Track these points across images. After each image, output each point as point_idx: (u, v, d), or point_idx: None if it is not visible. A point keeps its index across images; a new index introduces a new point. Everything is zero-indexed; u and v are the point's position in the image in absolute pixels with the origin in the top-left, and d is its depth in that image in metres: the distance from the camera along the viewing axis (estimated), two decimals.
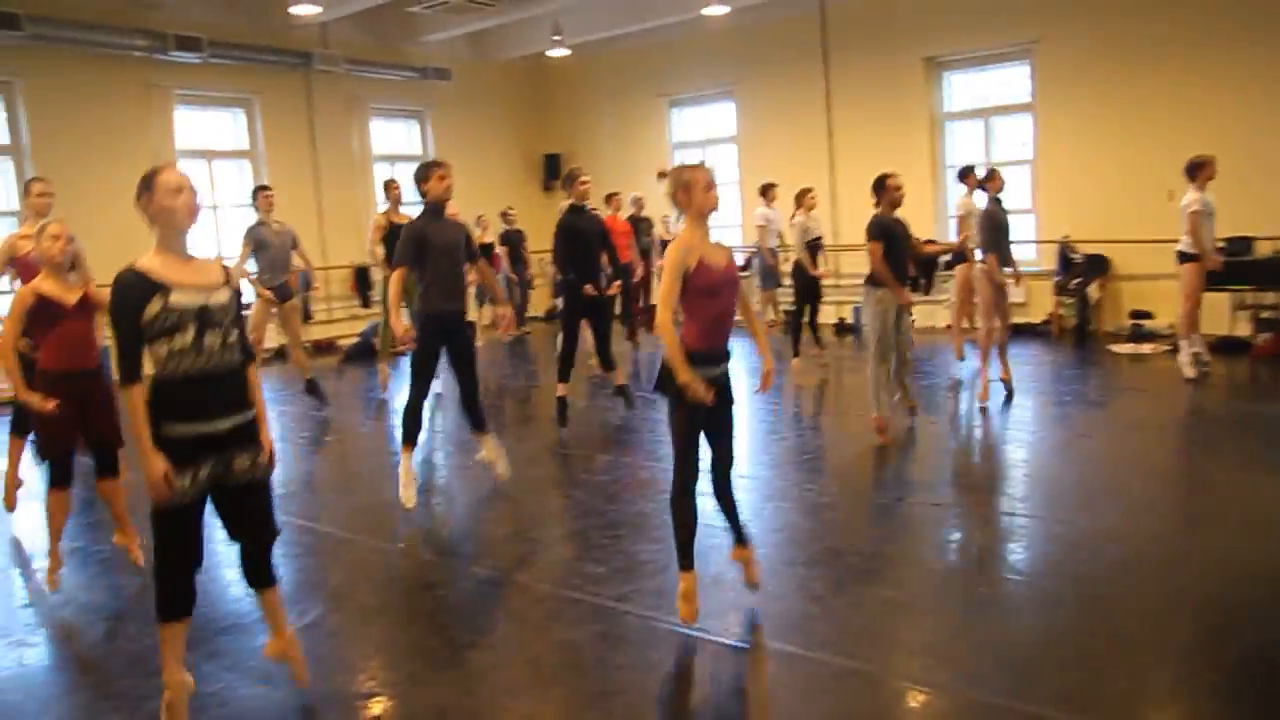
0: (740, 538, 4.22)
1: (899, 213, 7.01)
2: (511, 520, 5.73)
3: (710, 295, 3.86)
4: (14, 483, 6.16)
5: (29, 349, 5.22)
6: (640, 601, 4.33)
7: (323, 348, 12.95)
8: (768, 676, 3.69)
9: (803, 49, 13.60)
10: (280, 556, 3.59)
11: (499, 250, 13.64)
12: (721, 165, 15.25)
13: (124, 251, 5.09)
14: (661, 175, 3.86)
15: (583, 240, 7.75)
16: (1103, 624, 3.94)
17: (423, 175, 5.80)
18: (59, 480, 4.76)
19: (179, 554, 3.24)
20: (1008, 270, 7.89)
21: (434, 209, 5.80)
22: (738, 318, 4.13)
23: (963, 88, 12.94)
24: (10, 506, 6.12)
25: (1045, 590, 4.32)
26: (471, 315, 9.11)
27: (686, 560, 4.01)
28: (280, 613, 3.61)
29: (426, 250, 5.66)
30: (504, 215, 14.03)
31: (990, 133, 12.64)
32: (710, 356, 3.90)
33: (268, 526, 3.47)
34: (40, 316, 4.54)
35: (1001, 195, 7.95)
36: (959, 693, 3.44)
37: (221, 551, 5.17)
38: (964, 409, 8.35)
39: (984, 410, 7.81)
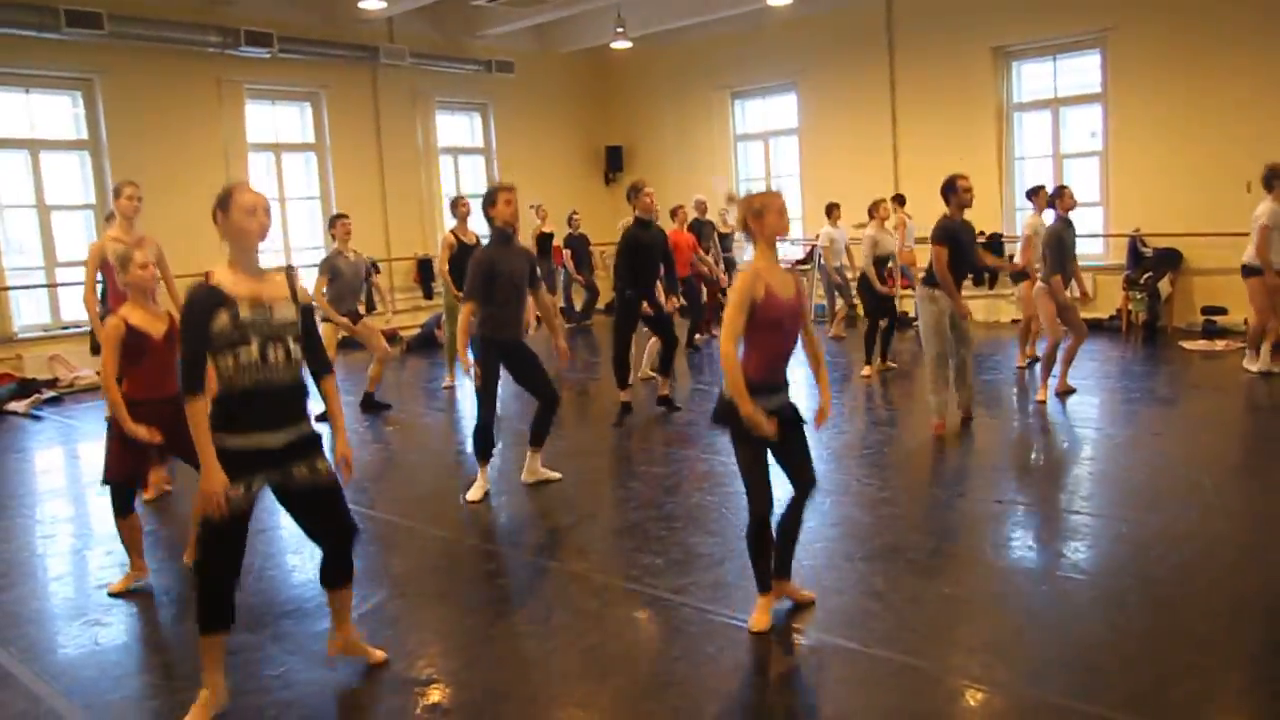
0: (787, 571, 4.08)
1: (967, 214, 6.91)
2: (570, 511, 5.76)
3: (775, 328, 3.80)
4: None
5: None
6: (697, 594, 4.33)
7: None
8: (825, 672, 3.66)
9: (867, 39, 13.44)
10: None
11: (564, 251, 13.84)
12: (783, 158, 15.18)
13: (195, 243, 5.24)
14: (731, 201, 3.83)
15: (646, 256, 7.74)
16: (1171, 625, 3.85)
17: (490, 200, 5.83)
18: (121, 510, 4.74)
19: (221, 564, 3.30)
20: (1071, 289, 7.71)
21: (501, 235, 5.82)
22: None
23: (1031, 78, 12.67)
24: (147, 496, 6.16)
25: (1111, 590, 4.23)
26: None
27: (765, 584, 3.97)
28: (348, 609, 3.69)
29: (494, 280, 5.71)
30: (569, 220, 14.17)
31: (1060, 123, 12.36)
32: (771, 387, 3.84)
33: (342, 527, 3.52)
34: (129, 347, 4.54)
35: (1071, 215, 7.70)
36: (1020, 692, 3.38)
37: (285, 538, 5.30)
38: (1029, 405, 8.21)
39: (1042, 404, 7.73)
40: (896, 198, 11.78)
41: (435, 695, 3.57)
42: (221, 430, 3.22)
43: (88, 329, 10.79)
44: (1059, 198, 7.74)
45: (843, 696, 3.46)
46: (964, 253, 6.88)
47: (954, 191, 6.83)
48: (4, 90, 10.75)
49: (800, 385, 4.61)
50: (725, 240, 12.92)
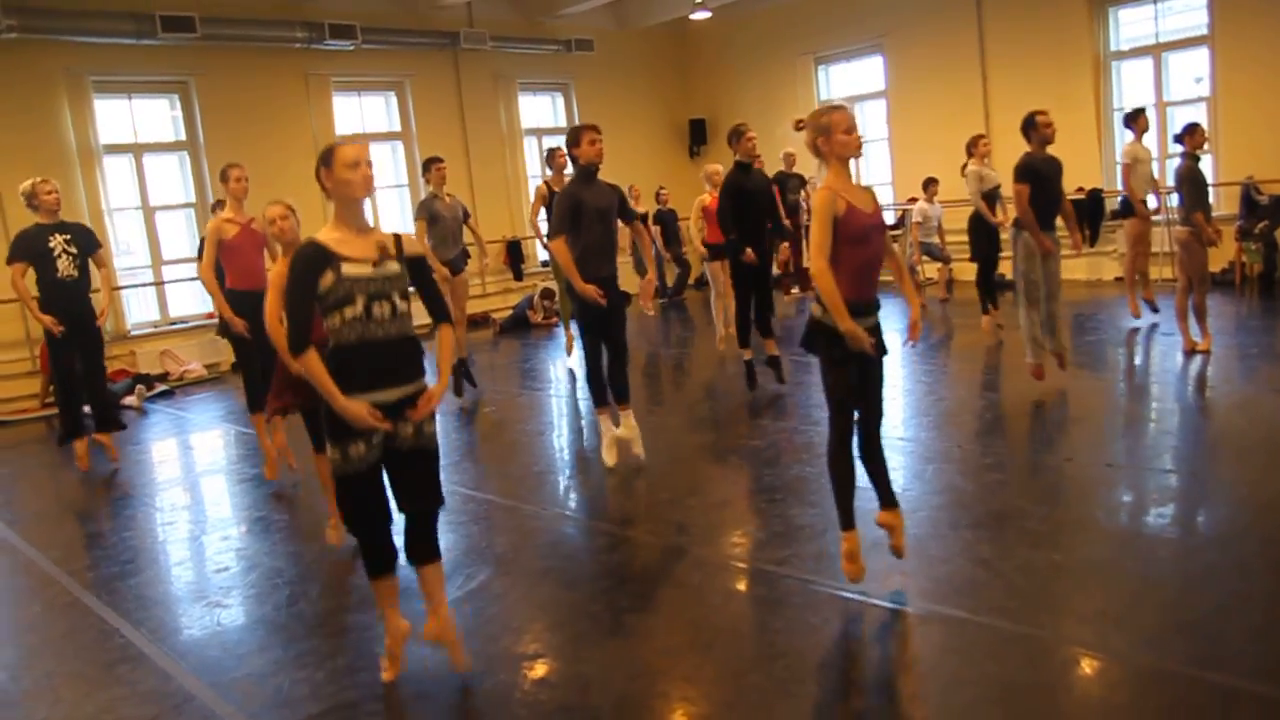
0: (888, 500, 4.05)
1: (1053, 151, 6.70)
2: (669, 486, 5.76)
3: (859, 242, 3.74)
4: (272, 455, 6.42)
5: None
6: (799, 565, 4.30)
7: (477, 321, 13.30)
8: (933, 642, 3.60)
9: None
10: (446, 524, 3.70)
11: (652, 227, 13.79)
12: (871, 122, 14.85)
13: None
14: (799, 125, 3.70)
15: (749, 200, 7.48)
16: None
17: (574, 139, 5.85)
18: (322, 445, 4.91)
19: (366, 518, 3.46)
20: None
21: (586, 173, 5.83)
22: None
23: (1130, 24, 12.13)
24: (270, 475, 6.43)
25: (1233, 555, 4.05)
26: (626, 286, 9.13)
27: (848, 519, 3.94)
28: (440, 592, 3.58)
29: (580, 215, 5.71)
30: (658, 195, 14.17)
31: (1163, 70, 11.81)
32: (861, 306, 3.77)
33: (432, 494, 3.53)
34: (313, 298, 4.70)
35: (1200, 152, 7.38)
36: (1138, 661, 3.27)
37: (398, 518, 5.41)
38: (1137, 365, 7.93)
39: (1189, 353, 7.50)
40: (926, 183, 11.34)
41: (541, 670, 3.62)
42: (336, 386, 3.28)
43: (196, 324, 11.27)
44: (1189, 135, 7.39)
45: (952, 667, 3.39)
46: (1048, 189, 6.69)
47: (1034, 127, 6.76)
48: (109, 97, 11.16)
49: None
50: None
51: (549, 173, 9.06)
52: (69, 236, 6.89)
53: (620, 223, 5.97)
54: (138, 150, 11.47)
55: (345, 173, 3.31)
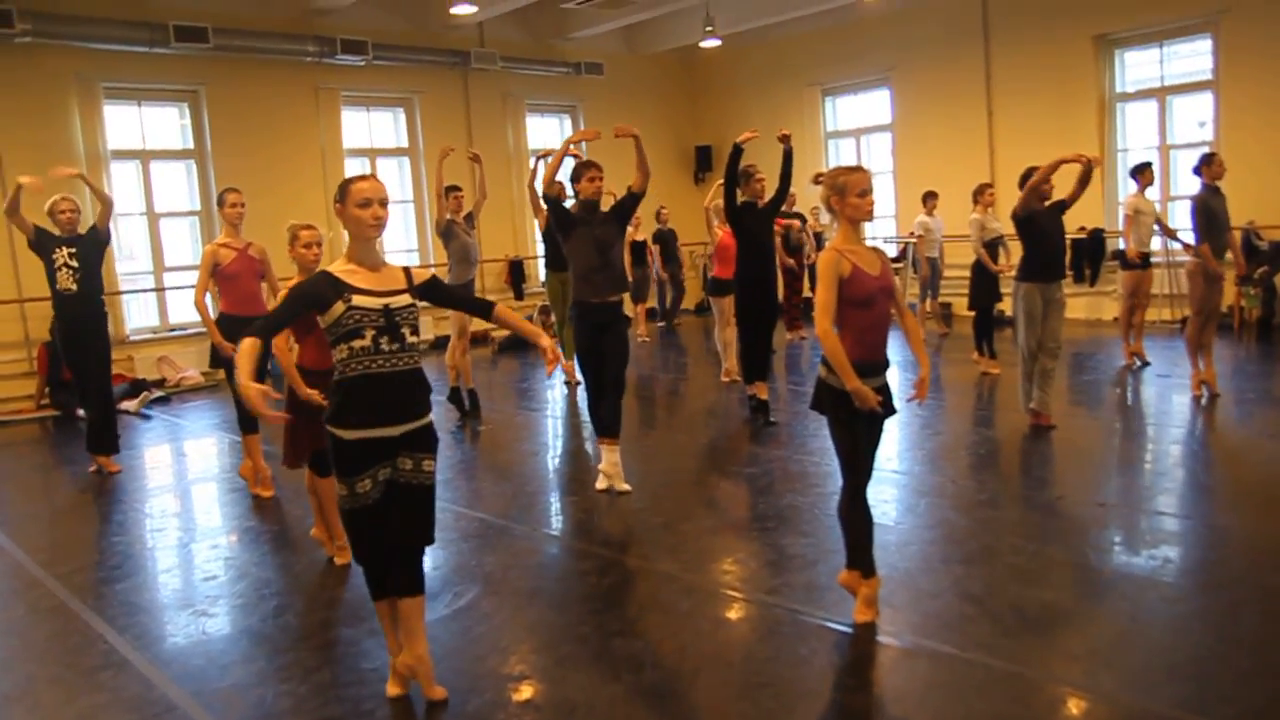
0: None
1: (1055, 189, 6.74)
2: (662, 512, 5.75)
3: (864, 305, 3.74)
4: (266, 475, 6.41)
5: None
6: (789, 595, 4.29)
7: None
8: (920, 677, 3.58)
9: (963, 30, 13.15)
10: (436, 541, 3.68)
11: (651, 248, 13.77)
12: (876, 154, 14.94)
13: None
14: (817, 179, 3.73)
15: (759, 241, 7.55)
16: None
17: (575, 176, 6.05)
18: (323, 470, 4.86)
19: (370, 548, 3.46)
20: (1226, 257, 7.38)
21: (586, 207, 5.99)
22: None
23: (1136, 66, 12.23)
24: (267, 492, 6.39)
25: (1223, 600, 4.05)
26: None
27: (869, 564, 3.91)
28: (419, 625, 3.47)
29: (575, 234, 5.84)
30: (658, 215, 14.17)
31: (1167, 113, 11.89)
32: (868, 367, 3.77)
33: (421, 530, 3.46)
34: (298, 324, 4.67)
35: (1219, 183, 7.40)
36: (1125, 701, 3.25)
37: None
38: (1132, 405, 7.94)
39: (1197, 399, 7.44)
40: (926, 196, 11.35)
41: (527, 691, 3.60)
42: (339, 424, 3.31)
43: (194, 332, 11.25)
44: (1207, 165, 7.41)
45: (939, 702, 3.37)
46: (1049, 243, 6.69)
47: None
48: (119, 104, 11.22)
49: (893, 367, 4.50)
50: (818, 238, 12.66)
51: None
52: (73, 250, 6.89)
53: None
54: (145, 157, 11.52)
55: (356, 211, 3.34)
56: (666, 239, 14.12)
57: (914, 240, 11.55)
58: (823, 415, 3.92)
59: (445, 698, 3.50)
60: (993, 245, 9.20)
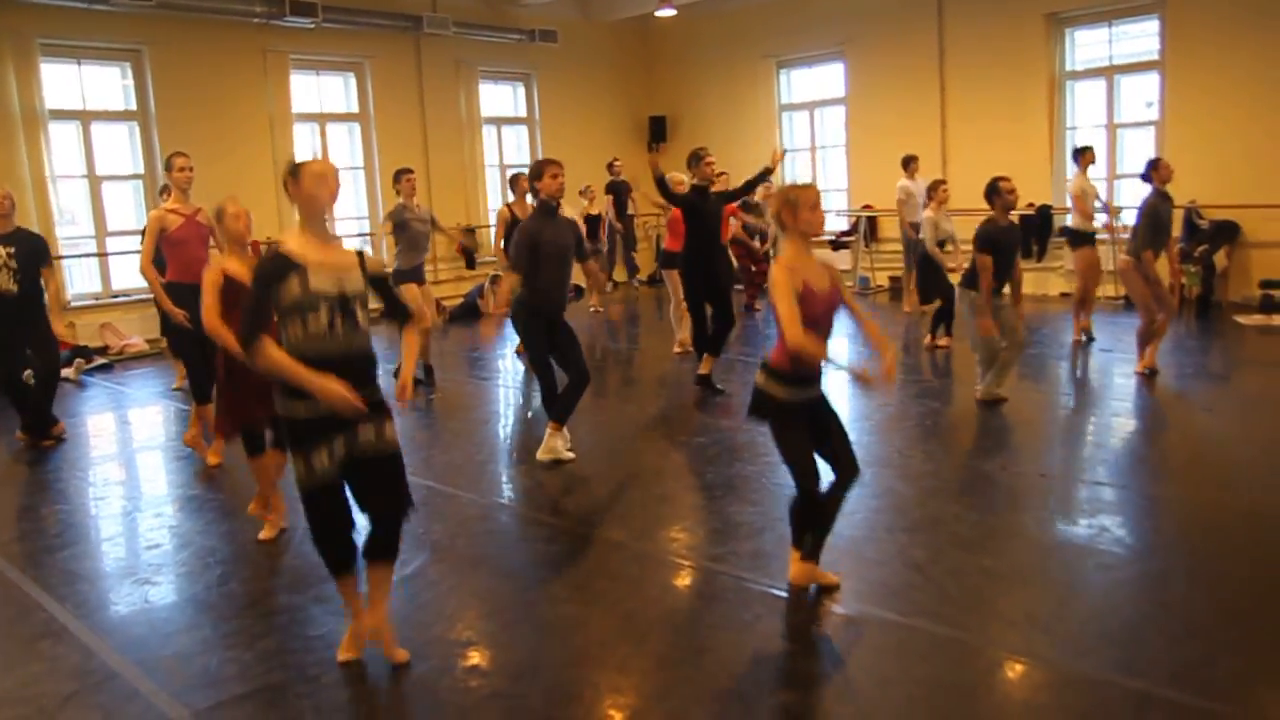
0: (816, 555, 3.97)
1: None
2: (610, 480, 5.77)
3: (813, 323, 3.72)
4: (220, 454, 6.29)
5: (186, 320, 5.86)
6: (735, 562, 4.33)
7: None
8: (864, 642, 3.64)
9: (917, 5, 13.18)
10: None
11: (606, 197, 13.67)
12: (829, 128, 14.99)
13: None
14: (767, 191, 3.70)
15: (707, 225, 7.59)
16: (1216, 601, 3.78)
17: (536, 173, 5.90)
18: (254, 450, 4.87)
19: (330, 527, 3.43)
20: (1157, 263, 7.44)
21: (547, 208, 5.87)
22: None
23: (1086, 45, 12.37)
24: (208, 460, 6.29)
25: (1155, 566, 4.17)
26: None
27: (807, 552, 3.94)
28: (387, 589, 3.55)
29: (538, 251, 5.76)
30: (610, 167, 14.10)
31: (1115, 92, 12.06)
32: (805, 377, 3.81)
33: (399, 497, 3.47)
34: (226, 296, 4.65)
35: (1168, 187, 7.46)
36: (1061, 665, 3.34)
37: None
38: (1073, 380, 8.09)
39: (1143, 375, 7.51)
40: (907, 160, 11.30)
41: (475, 658, 3.61)
42: (293, 397, 3.27)
43: (138, 298, 11.02)
44: (1155, 169, 7.46)
45: (880, 666, 3.44)
46: (1003, 261, 6.63)
47: (997, 194, 6.63)
48: (56, 62, 10.89)
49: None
50: (757, 208, 12.52)
51: (511, 197, 9.00)
52: (12, 250, 6.64)
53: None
54: (85, 118, 11.20)
55: (313, 185, 3.32)
56: (619, 189, 14.04)
57: (866, 215, 11.57)
58: (763, 423, 3.93)
59: (408, 659, 3.52)
60: (941, 245, 9.19)
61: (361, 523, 3.49)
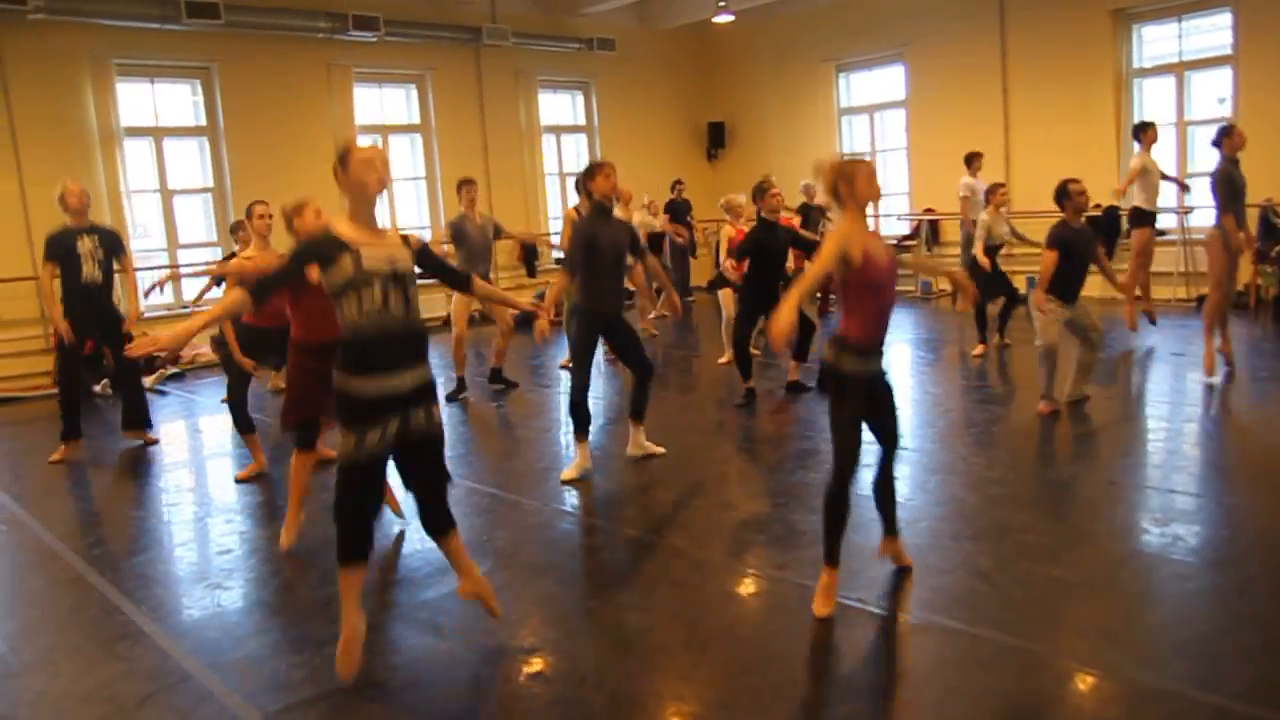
0: (893, 528, 4.17)
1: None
2: (672, 487, 5.78)
3: (876, 289, 3.77)
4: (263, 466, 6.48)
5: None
6: (798, 570, 4.31)
7: (490, 317, 13.31)
8: (929, 651, 3.60)
9: (978, 5, 13.00)
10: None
11: (664, 216, 13.69)
12: (890, 131, 14.85)
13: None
14: (817, 170, 3.65)
15: (770, 259, 7.48)
16: None
17: (589, 174, 5.92)
18: (305, 444, 5.00)
19: (361, 504, 3.47)
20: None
21: (601, 208, 5.88)
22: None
23: (1154, 42, 12.08)
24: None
25: (1232, 577, 4.05)
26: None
27: (834, 557, 3.90)
28: (464, 553, 3.79)
29: (593, 252, 5.76)
30: (673, 187, 14.12)
31: (1185, 89, 11.76)
32: (872, 350, 3.83)
33: (441, 474, 3.66)
34: (295, 281, 4.71)
35: (1238, 155, 7.26)
36: (1133, 678, 3.27)
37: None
38: (1147, 384, 7.91)
39: (1210, 387, 7.29)
40: (970, 157, 11.07)
41: (538, 664, 3.64)
42: (353, 374, 3.36)
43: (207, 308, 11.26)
44: (1227, 136, 7.28)
45: (946, 676, 3.39)
46: (1076, 262, 6.51)
47: (1068, 197, 6.51)
48: (131, 81, 11.24)
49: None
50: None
51: (576, 200, 9.03)
52: (97, 239, 6.99)
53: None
54: (158, 134, 11.54)
55: (361, 172, 3.39)
56: (679, 208, 14.04)
57: (928, 219, 11.43)
58: (826, 393, 3.95)
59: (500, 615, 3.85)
60: (994, 250, 9.05)
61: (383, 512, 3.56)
